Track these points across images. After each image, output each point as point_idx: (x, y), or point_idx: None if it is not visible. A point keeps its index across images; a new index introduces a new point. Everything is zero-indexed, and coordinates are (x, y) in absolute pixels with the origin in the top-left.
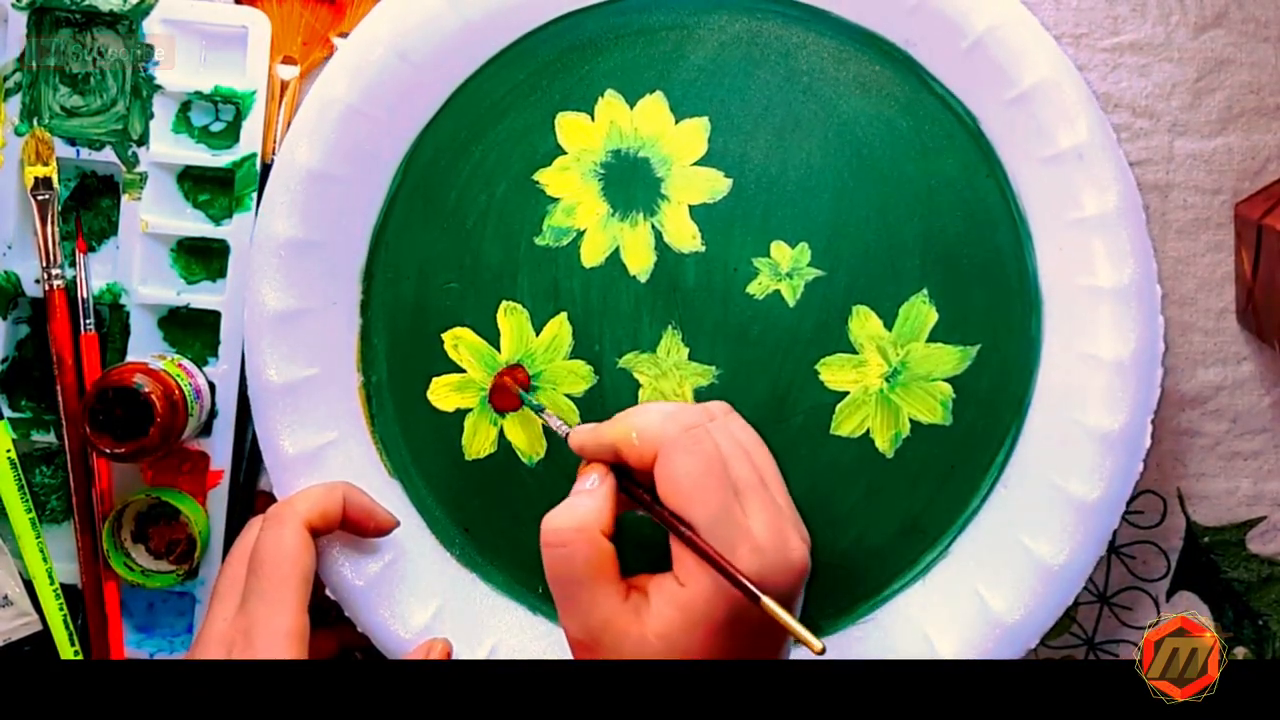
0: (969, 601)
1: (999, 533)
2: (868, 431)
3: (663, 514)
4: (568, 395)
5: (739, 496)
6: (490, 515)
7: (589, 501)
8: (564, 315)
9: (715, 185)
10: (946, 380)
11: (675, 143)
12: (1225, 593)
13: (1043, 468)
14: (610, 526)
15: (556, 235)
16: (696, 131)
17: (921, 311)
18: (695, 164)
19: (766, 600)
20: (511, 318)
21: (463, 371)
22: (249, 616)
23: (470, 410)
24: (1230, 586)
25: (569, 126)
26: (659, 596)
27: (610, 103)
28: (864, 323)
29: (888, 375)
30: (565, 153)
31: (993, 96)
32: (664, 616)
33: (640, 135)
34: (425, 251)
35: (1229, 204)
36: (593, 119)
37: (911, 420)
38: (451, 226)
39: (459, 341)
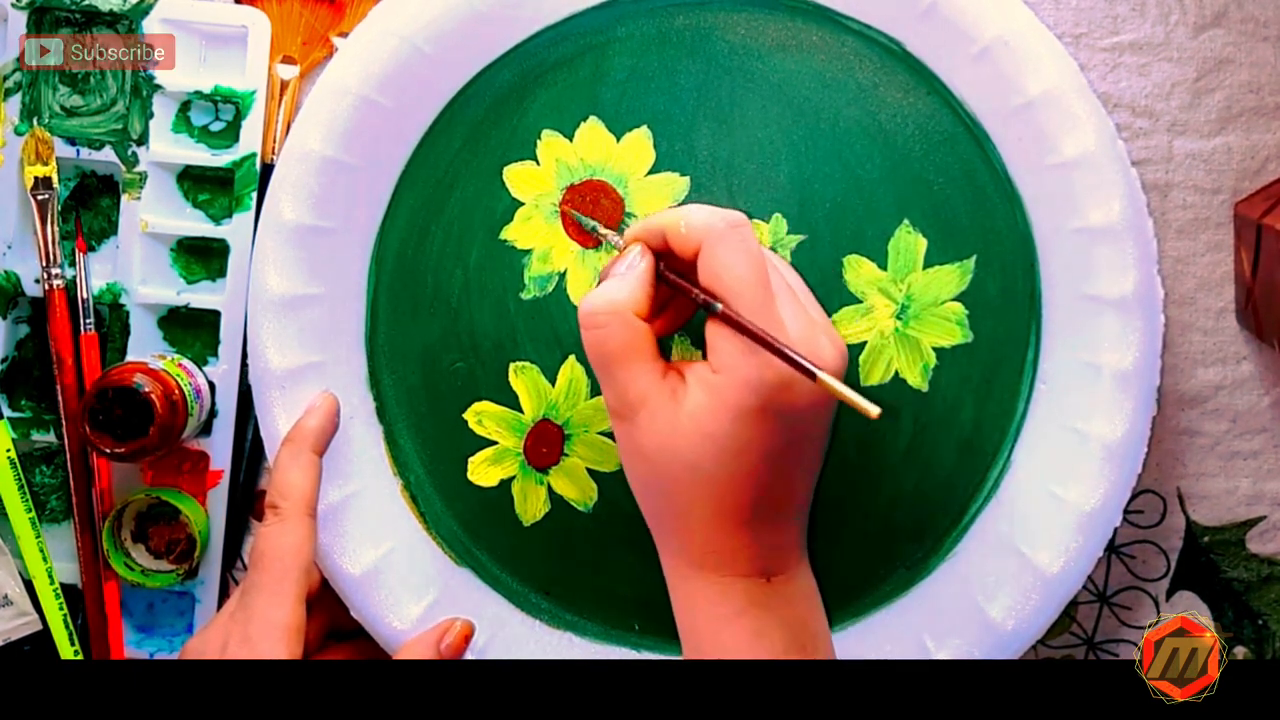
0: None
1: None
2: (896, 373)
3: (704, 297)
4: (601, 433)
5: (770, 292)
6: (565, 571)
7: (624, 284)
8: (572, 358)
9: (675, 187)
10: (955, 300)
11: (623, 160)
12: (1225, 592)
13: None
14: (646, 308)
15: (540, 285)
16: (640, 143)
17: (910, 241)
18: (649, 174)
19: (822, 375)
20: (523, 376)
21: (494, 443)
22: (247, 609)
23: (514, 478)
24: (1230, 586)
25: (517, 177)
26: (693, 379)
27: (549, 142)
28: (858, 270)
29: (897, 313)
30: (522, 203)
31: (906, 12)
32: (695, 399)
33: (588, 164)
34: (421, 341)
35: (1228, 204)
36: (538, 163)
37: (934, 348)
38: (438, 309)
39: (481, 416)
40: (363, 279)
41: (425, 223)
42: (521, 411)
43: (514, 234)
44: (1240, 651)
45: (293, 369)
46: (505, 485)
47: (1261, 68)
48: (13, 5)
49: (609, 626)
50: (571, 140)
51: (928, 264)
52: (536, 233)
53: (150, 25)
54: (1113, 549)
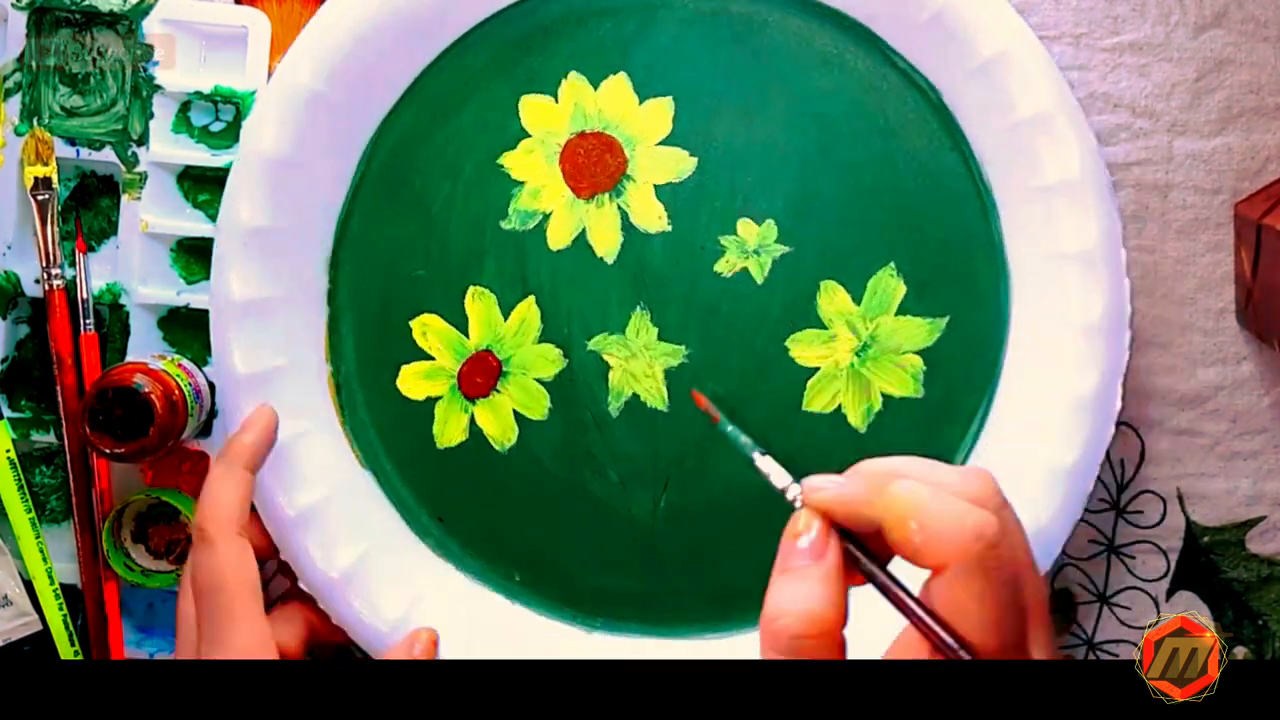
0: None
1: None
2: (840, 407)
3: (950, 645)
4: (538, 380)
5: (1026, 620)
6: (464, 504)
7: (819, 591)
8: (532, 299)
9: (681, 164)
10: (917, 352)
11: (640, 123)
12: (1225, 593)
13: (1016, 434)
14: (845, 619)
15: (523, 219)
16: (661, 111)
17: (889, 285)
18: (660, 144)
19: None
20: (479, 303)
21: (432, 359)
22: (210, 644)
23: (440, 398)
24: (1230, 586)
25: (532, 109)
26: None
27: (574, 85)
28: (832, 298)
29: (858, 349)
30: (529, 135)
31: (954, 67)
32: None
33: (604, 116)
34: (392, 240)
35: (1229, 204)
36: (556, 101)
37: (883, 394)
38: (417, 214)
39: (427, 329)
40: (356, 154)
41: (430, 125)
42: (467, 336)
43: (512, 162)
44: (1240, 651)
45: (261, 228)
46: (430, 403)
47: (1261, 68)
48: (13, 5)
49: (490, 569)
50: (596, 89)
51: (900, 310)
52: (534, 168)
53: (150, 25)
54: (1113, 549)
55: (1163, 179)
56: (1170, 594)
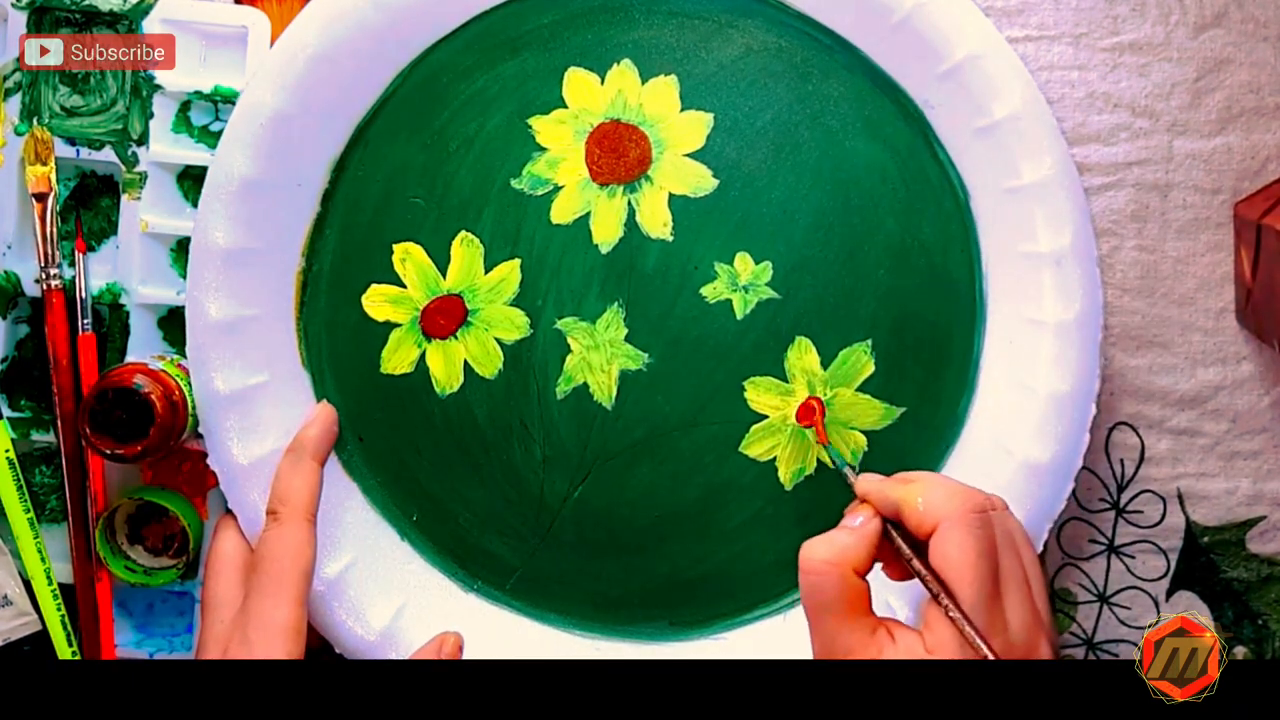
0: None
1: None
2: (774, 459)
3: (930, 581)
4: (498, 339)
5: (1001, 588)
6: (388, 431)
7: (848, 539)
8: (518, 262)
9: (702, 181)
10: (864, 432)
11: (675, 130)
12: (1225, 592)
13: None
14: (866, 565)
15: (533, 183)
16: (699, 124)
17: (860, 360)
18: (688, 155)
19: None
20: (466, 249)
21: (403, 287)
22: (247, 613)
23: (399, 326)
24: (1230, 586)
25: (576, 83)
26: (904, 647)
27: (623, 72)
28: (802, 355)
29: None
30: (566, 107)
31: (991, 184)
32: None
33: (643, 112)
34: (402, 160)
35: (1229, 204)
36: (602, 82)
37: (818, 461)
38: (434, 144)
39: (408, 256)
40: (391, 73)
41: (476, 64)
42: (444, 276)
43: (541, 127)
44: (1240, 651)
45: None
46: (387, 327)
47: (1261, 68)
48: (13, 5)
49: (392, 502)
50: (643, 84)
51: (862, 388)
52: (561, 139)
53: (150, 25)
54: (1113, 549)
55: (1163, 179)
56: (1170, 594)
